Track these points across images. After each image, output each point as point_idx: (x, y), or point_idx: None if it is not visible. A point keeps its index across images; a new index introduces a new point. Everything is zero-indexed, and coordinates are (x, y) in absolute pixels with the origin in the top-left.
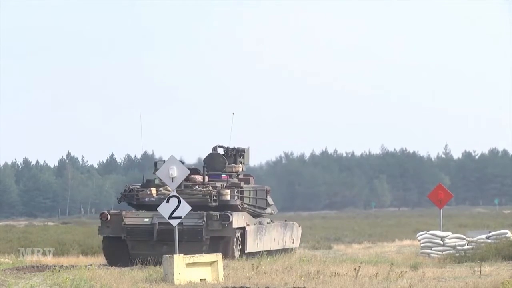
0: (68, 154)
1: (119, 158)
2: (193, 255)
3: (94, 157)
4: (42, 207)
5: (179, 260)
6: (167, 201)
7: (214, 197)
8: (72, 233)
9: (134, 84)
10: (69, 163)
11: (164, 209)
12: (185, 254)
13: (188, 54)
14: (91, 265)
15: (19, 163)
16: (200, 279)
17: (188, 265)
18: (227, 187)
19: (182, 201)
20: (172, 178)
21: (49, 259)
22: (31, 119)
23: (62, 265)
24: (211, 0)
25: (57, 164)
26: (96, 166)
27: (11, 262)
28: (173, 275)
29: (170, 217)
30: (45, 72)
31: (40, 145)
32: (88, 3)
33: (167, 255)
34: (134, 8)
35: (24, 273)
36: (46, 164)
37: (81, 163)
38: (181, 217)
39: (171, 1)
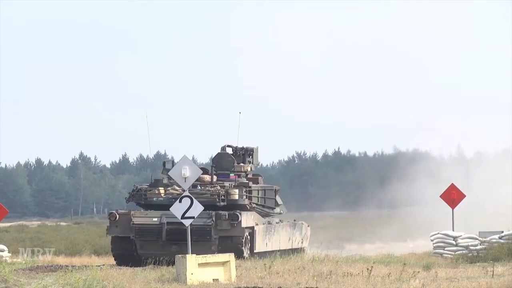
0: (81, 154)
1: (132, 158)
2: (205, 255)
3: (106, 157)
4: (55, 207)
5: (192, 260)
6: (180, 201)
7: (222, 197)
8: (85, 233)
9: (146, 83)
10: (81, 163)
11: (177, 209)
12: (193, 254)
13: (205, 51)
14: (103, 265)
15: (31, 163)
16: (213, 279)
17: (200, 265)
18: (235, 187)
19: (195, 201)
20: (185, 178)
21: (61, 259)
22: (44, 119)
23: (75, 265)
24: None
25: (70, 164)
26: (108, 166)
27: (23, 262)
28: (186, 275)
29: (183, 217)
30: (58, 72)
31: (53, 145)
32: (102, 3)
33: (180, 255)
34: (149, 7)
35: (37, 273)
36: (59, 164)
37: (93, 163)
38: (194, 217)
39: (181, 2)
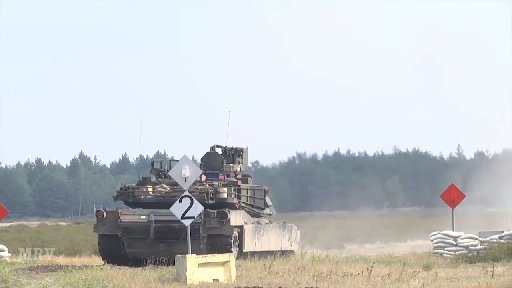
0: (81, 154)
1: (132, 158)
2: (205, 255)
3: (106, 157)
4: (55, 207)
5: (192, 260)
6: (180, 201)
7: (211, 195)
8: (85, 233)
9: (147, 83)
10: (81, 163)
11: (177, 209)
12: (182, 252)
13: (206, 50)
14: (103, 265)
15: (31, 163)
16: (213, 279)
17: (200, 265)
18: (224, 185)
19: (195, 201)
20: (185, 178)
21: (61, 259)
22: (44, 119)
23: (75, 265)
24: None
25: (70, 164)
26: (108, 166)
27: (23, 262)
28: (186, 275)
29: (183, 217)
30: (58, 71)
31: (53, 145)
32: (104, 4)
33: (180, 255)
34: (149, 5)
35: (37, 273)
36: (59, 164)
37: (93, 163)
38: (194, 217)
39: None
